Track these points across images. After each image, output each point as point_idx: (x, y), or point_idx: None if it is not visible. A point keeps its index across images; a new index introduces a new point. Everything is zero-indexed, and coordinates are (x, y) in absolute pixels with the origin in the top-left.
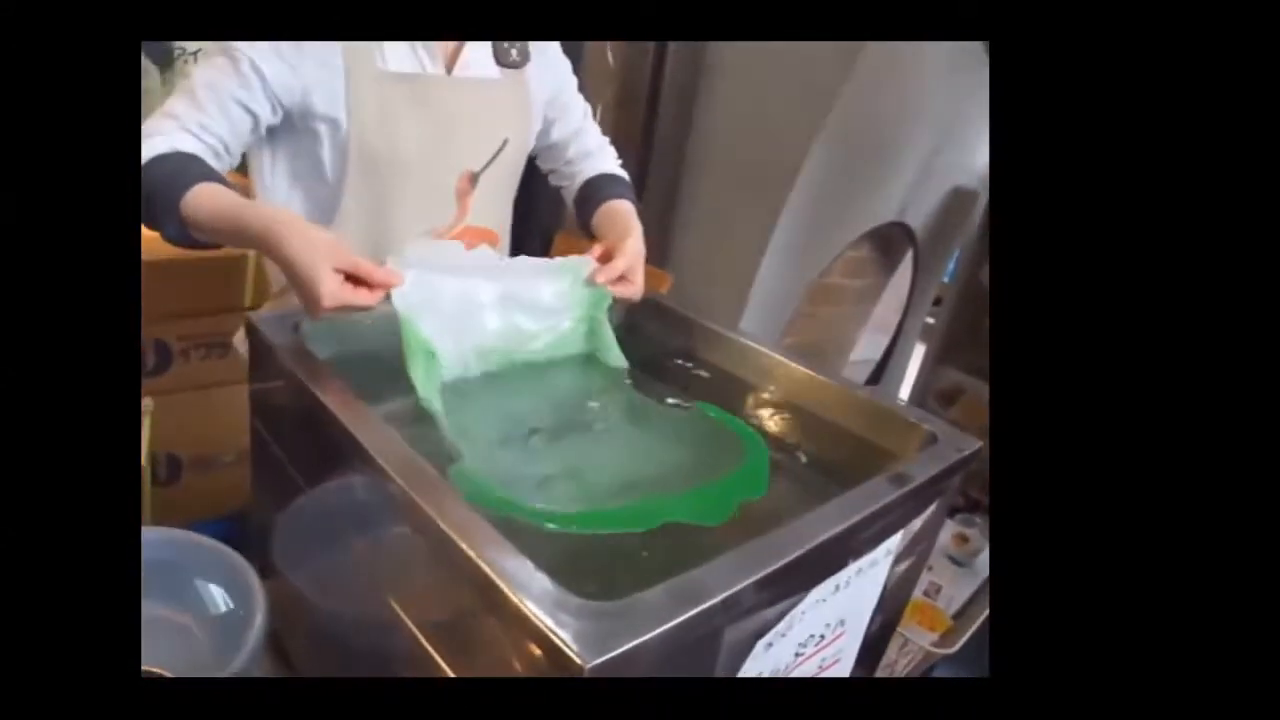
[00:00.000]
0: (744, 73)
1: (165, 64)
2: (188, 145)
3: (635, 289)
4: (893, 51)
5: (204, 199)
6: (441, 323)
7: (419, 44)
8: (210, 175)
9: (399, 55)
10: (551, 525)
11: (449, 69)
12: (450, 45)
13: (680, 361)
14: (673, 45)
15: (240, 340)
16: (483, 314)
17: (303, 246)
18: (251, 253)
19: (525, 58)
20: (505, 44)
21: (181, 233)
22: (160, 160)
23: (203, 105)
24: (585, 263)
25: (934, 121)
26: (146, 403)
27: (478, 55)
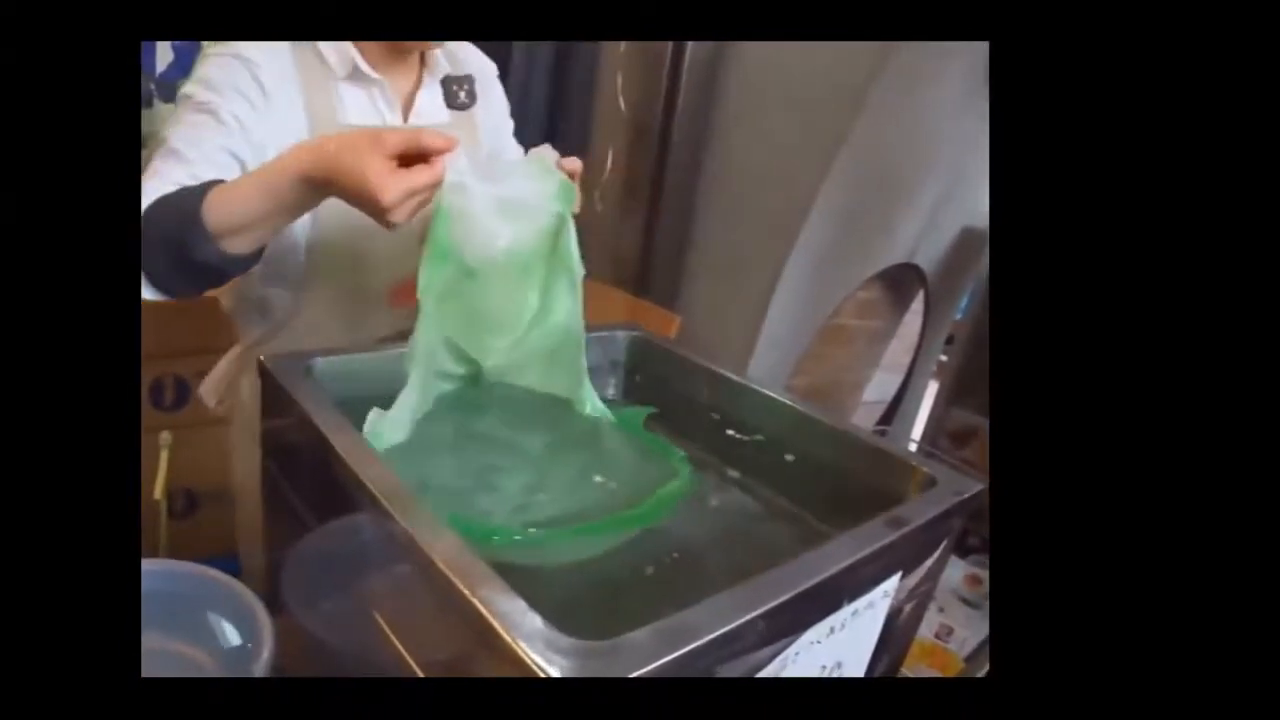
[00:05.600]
0: (753, 117)
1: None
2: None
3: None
4: (900, 94)
5: (223, 194)
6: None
7: (377, 94)
8: (218, 182)
9: (359, 107)
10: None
11: (405, 117)
12: (405, 92)
13: (684, 403)
14: (684, 88)
15: (207, 390)
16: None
17: (338, 151)
18: None
19: (473, 99)
20: (454, 86)
21: (214, 252)
22: (159, 200)
23: (187, 159)
24: (545, 150)
25: (943, 164)
26: (164, 436)
27: (430, 101)
